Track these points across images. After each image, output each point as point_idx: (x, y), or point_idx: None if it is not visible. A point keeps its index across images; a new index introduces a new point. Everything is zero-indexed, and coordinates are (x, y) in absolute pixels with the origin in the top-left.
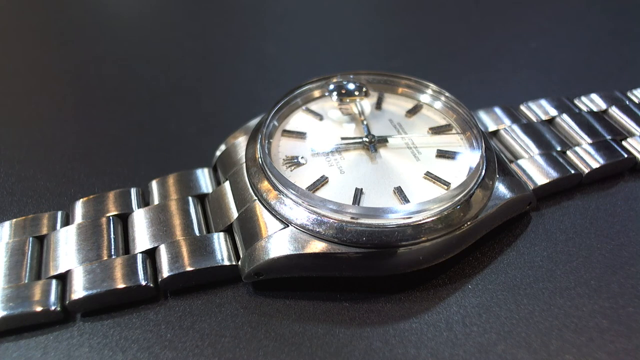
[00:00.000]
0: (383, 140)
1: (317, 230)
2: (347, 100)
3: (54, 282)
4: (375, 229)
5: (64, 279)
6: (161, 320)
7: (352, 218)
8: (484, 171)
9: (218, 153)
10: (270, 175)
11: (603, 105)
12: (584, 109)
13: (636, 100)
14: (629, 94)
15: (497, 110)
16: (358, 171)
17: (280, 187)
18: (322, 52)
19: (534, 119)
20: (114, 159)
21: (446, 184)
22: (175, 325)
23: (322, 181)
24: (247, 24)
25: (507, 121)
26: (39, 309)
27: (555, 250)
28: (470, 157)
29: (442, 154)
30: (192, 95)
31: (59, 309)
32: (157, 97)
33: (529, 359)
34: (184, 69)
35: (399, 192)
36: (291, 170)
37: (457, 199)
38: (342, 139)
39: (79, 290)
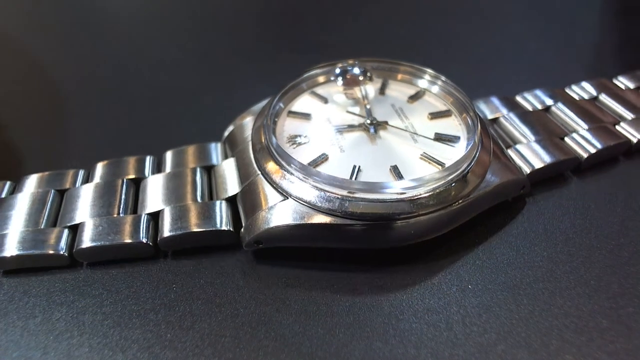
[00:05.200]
0: (383, 123)
1: (315, 202)
2: (353, 84)
3: (66, 230)
4: (370, 203)
5: (75, 230)
6: (161, 320)
7: (349, 192)
8: (478, 153)
9: (226, 133)
10: (274, 152)
11: (594, 92)
12: (576, 97)
13: (622, 87)
14: (615, 80)
15: (495, 100)
16: (357, 150)
17: (283, 163)
18: (319, 50)
19: (531, 109)
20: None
21: (441, 164)
22: (175, 325)
23: (322, 158)
24: (247, 23)
25: (504, 110)
26: (50, 252)
27: (555, 250)
28: (466, 140)
29: (440, 137)
30: (193, 94)
31: (66, 254)
32: (158, 96)
33: (529, 359)
34: (185, 69)
35: (395, 170)
36: (294, 148)
37: (450, 177)
38: (346, 117)
39: (86, 240)
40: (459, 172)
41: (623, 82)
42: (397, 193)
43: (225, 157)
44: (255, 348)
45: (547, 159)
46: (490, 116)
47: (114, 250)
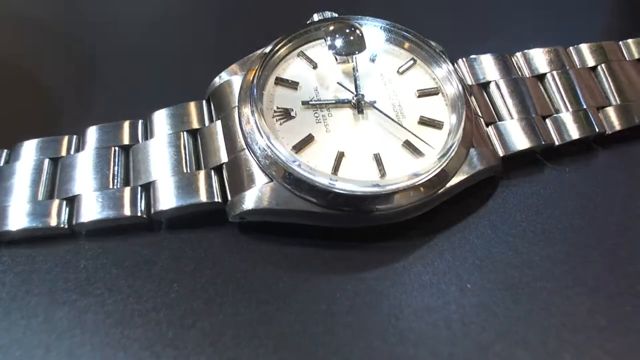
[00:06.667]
0: (371, 104)
1: (298, 189)
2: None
3: (65, 202)
4: (350, 194)
5: (72, 202)
6: (162, 319)
7: (330, 183)
8: (458, 145)
9: (211, 88)
10: (261, 129)
11: (592, 61)
12: (577, 63)
13: (627, 56)
14: (623, 44)
15: (491, 60)
16: (342, 131)
17: (269, 144)
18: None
19: (527, 72)
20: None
21: (422, 154)
22: (176, 324)
23: (308, 140)
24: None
25: (498, 74)
26: (51, 225)
27: (554, 249)
28: (450, 127)
29: (424, 122)
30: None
31: (67, 227)
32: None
33: (527, 357)
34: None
35: (377, 160)
36: (280, 124)
37: (429, 176)
38: (334, 89)
39: (85, 215)
40: (436, 168)
41: (631, 48)
42: (377, 189)
43: (211, 118)
44: (255, 347)
45: (524, 144)
46: (482, 79)
47: (111, 222)
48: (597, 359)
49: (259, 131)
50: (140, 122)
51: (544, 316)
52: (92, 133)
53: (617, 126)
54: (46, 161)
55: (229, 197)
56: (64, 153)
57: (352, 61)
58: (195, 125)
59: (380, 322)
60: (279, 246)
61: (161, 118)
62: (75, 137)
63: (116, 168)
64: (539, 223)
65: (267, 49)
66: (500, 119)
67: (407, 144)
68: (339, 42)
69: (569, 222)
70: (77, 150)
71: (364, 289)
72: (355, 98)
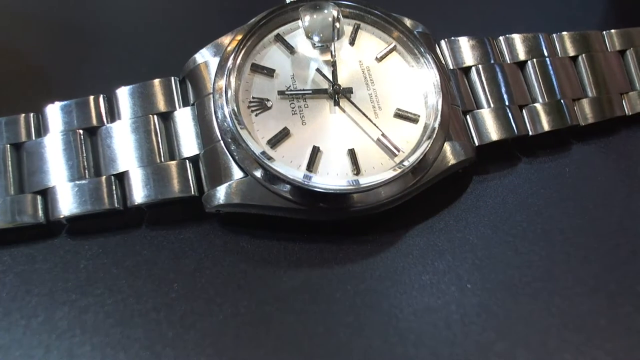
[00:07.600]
0: (347, 95)
1: (273, 185)
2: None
3: (39, 197)
4: (325, 192)
5: (44, 195)
6: (162, 319)
7: (304, 180)
8: (432, 141)
9: (189, 67)
10: (236, 123)
11: (573, 51)
12: (559, 51)
13: (609, 46)
14: (606, 34)
15: (474, 44)
16: (318, 124)
17: (243, 138)
18: None
19: (508, 58)
20: None
21: (397, 150)
22: (176, 324)
23: (284, 134)
24: None
25: (479, 59)
26: (30, 221)
27: (554, 250)
28: (425, 121)
29: (400, 115)
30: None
31: (45, 222)
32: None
33: (527, 357)
34: None
35: (352, 155)
36: (256, 115)
37: (403, 172)
38: (311, 77)
39: (63, 209)
40: (410, 165)
41: (613, 39)
42: (351, 189)
43: (186, 100)
44: (255, 347)
45: (499, 134)
46: (463, 63)
47: (89, 214)
48: (597, 359)
49: (234, 124)
50: (102, 97)
51: (544, 316)
52: (54, 112)
53: (590, 119)
54: (8, 147)
55: (205, 190)
56: (24, 137)
57: (330, 46)
58: (167, 108)
59: (380, 322)
60: (279, 246)
61: (128, 97)
62: (31, 115)
63: (86, 154)
64: (539, 223)
65: (253, 21)
66: (479, 106)
67: (382, 140)
68: (314, 29)
69: (568, 222)
70: (39, 133)
71: (364, 289)
72: (332, 89)
